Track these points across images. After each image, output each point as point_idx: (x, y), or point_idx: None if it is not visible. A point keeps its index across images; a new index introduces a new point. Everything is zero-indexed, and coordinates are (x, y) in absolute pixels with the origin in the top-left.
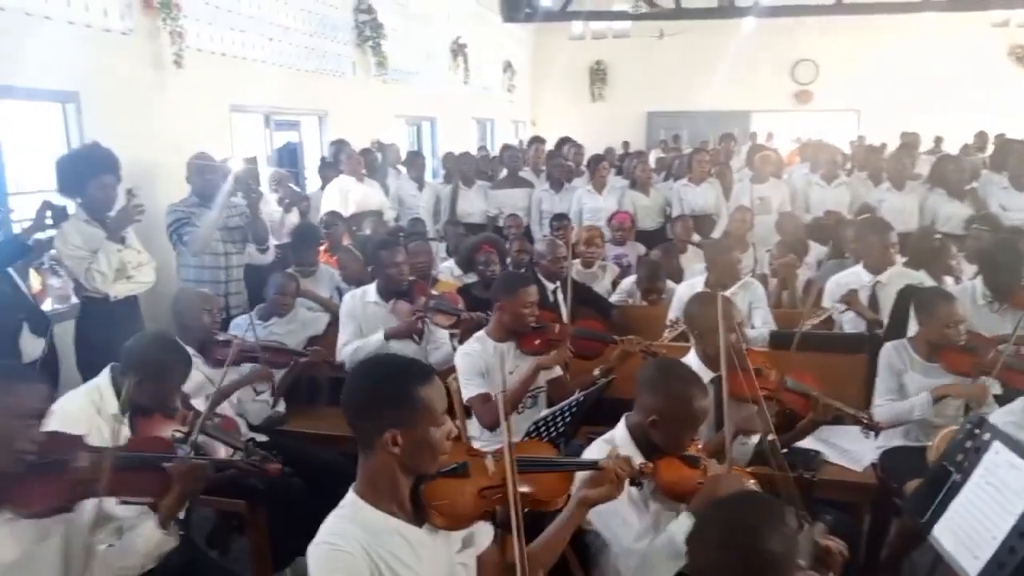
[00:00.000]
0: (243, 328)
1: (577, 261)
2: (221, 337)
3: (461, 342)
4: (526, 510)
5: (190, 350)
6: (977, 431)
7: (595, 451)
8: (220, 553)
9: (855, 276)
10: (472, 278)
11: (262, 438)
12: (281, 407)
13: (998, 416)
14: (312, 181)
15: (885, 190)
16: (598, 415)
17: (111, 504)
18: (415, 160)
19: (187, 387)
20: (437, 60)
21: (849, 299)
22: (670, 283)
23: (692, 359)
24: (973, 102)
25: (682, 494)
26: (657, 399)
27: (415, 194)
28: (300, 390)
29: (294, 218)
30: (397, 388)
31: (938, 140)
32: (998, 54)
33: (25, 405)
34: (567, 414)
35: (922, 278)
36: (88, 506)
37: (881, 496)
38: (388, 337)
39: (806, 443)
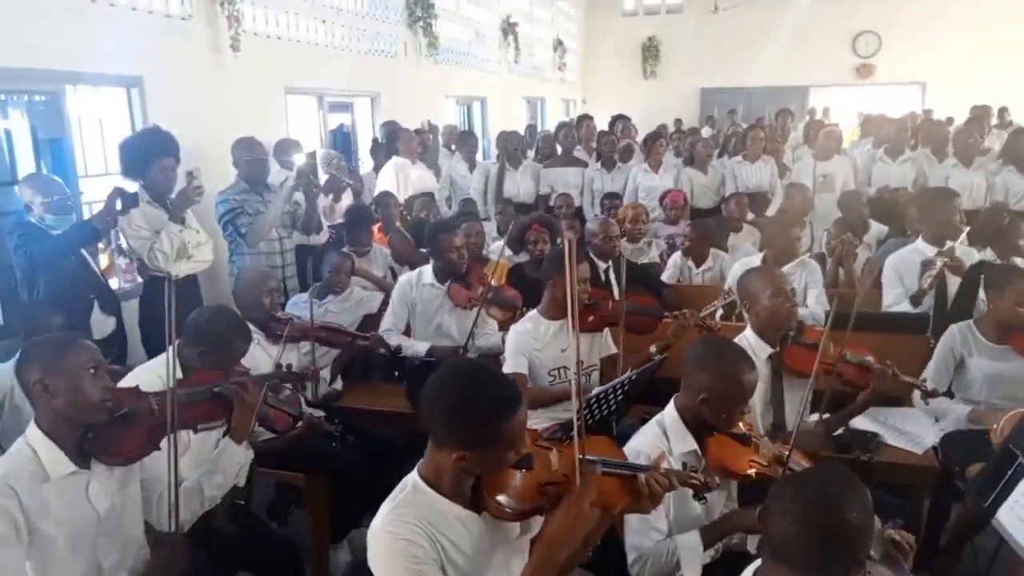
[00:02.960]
0: (301, 306)
1: (623, 238)
2: (281, 315)
3: None
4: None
5: (252, 327)
6: None
7: (646, 436)
8: (279, 524)
9: (916, 252)
10: (523, 258)
11: (319, 414)
12: (338, 384)
13: None
14: (365, 163)
15: (951, 166)
16: (651, 394)
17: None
18: (466, 140)
19: (247, 362)
20: (488, 40)
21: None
22: (721, 254)
23: (749, 335)
24: None
25: (733, 472)
26: (705, 377)
27: (466, 175)
28: (355, 366)
29: (346, 202)
30: (481, 419)
31: (1003, 112)
32: None
33: (87, 356)
34: (620, 392)
35: (987, 256)
36: (164, 447)
37: (942, 480)
38: (433, 356)
39: (865, 425)
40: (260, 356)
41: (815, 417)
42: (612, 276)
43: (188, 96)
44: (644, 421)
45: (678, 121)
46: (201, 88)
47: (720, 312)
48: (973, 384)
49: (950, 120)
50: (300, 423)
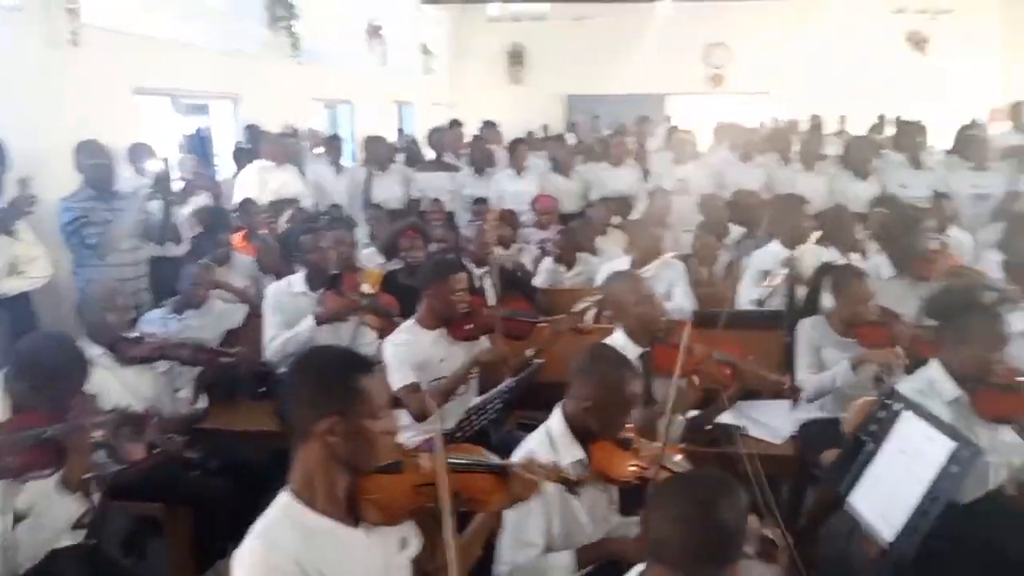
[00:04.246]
0: (156, 323)
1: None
2: (131, 335)
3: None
4: (460, 510)
5: (99, 349)
6: (888, 401)
7: (534, 444)
8: (136, 559)
9: (771, 253)
10: (396, 264)
11: (179, 438)
12: (202, 403)
13: (905, 386)
14: (227, 168)
15: (796, 171)
16: (531, 399)
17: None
18: (332, 144)
19: (93, 388)
20: (353, 42)
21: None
22: (590, 258)
23: (619, 337)
24: (874, 86)
25: (616, 478)
26: (590, 386)
27: (333, 180)
28: (219, 384)
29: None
30: (337, 375)
31: (842, 120)
32: (897, 40)
33: None
34: (499, 401)
35: (833, 255)
36: None
37: (799, 467)
38: (320, 321)
39: (728, 419)
40: (109, 382)
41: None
42: (488, 282)
43: (21, 95)
44: (524, 427)
45: (545, 127)
46: (36, 87)
47: (592, 313)
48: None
49: (794, 124)
50: (155, 451)
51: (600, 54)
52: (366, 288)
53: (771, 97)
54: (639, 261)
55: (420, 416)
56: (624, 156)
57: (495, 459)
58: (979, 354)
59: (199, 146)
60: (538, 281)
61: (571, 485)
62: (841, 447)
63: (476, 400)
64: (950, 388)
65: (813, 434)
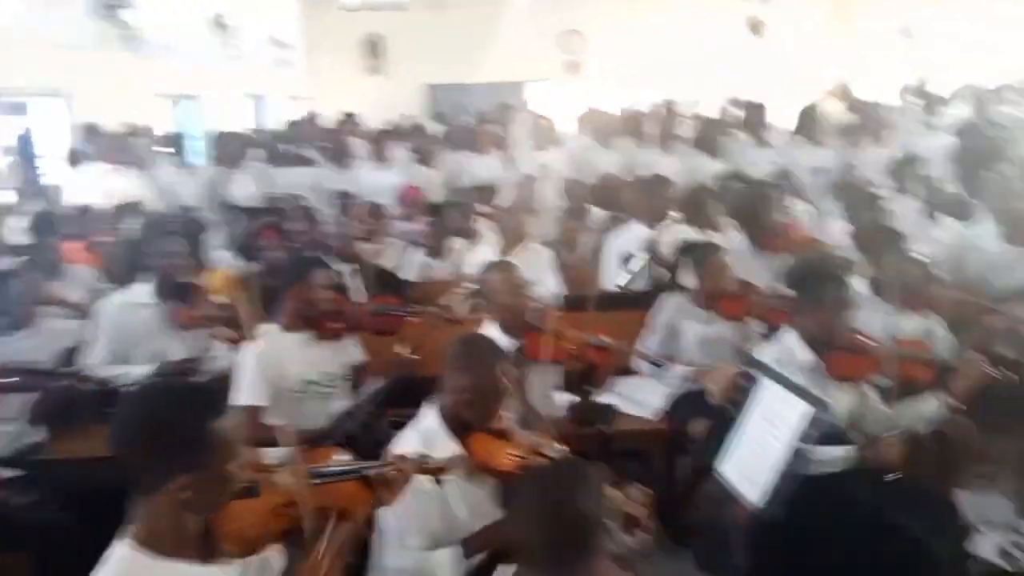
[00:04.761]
0: None
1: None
2: None
3: None
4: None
5: None
6: (749, 370)
7: (405, 445)
8: None
9: (635, 234)
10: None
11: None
12: (37, 434)
13: (763, 354)
14: (54, 172)
15: (652, 153)
16: (407, 396)
17: None
18: (178, 142)
19: None
20: (198, 34)
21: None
22: (458, 247)
23: (491, 329)
24: (722, 70)
25: (495, 469)
26: (463, 376)
27: (180, 180)
28: (58, 409)
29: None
30: (186, 426)
31: (694, 104)
32: (739, 25)
33: None
34: (370, 404)
35: (692, 232)
36: None
37: (671, 438)
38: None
39: (601, 398)
40: None
41: (564, 399)
42: (353, 279)
43: None
44: (398, 426)
45: (407, 117)
46: None
47: (463, 303)
48: (687, 348)
49: (650, 111)
50: None
51: (460, 43)
52: (218, 297)
53: (625, 83)
54: (506, 248)
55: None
56: (488, 144)
57: (358, 462)
58: (829, 319)
59: (24, 149)
60: (409, 274)
61: (437, 473)
62: (708, 417)
63: (346, 404)
64: (805, 354)
65: (683, 406)
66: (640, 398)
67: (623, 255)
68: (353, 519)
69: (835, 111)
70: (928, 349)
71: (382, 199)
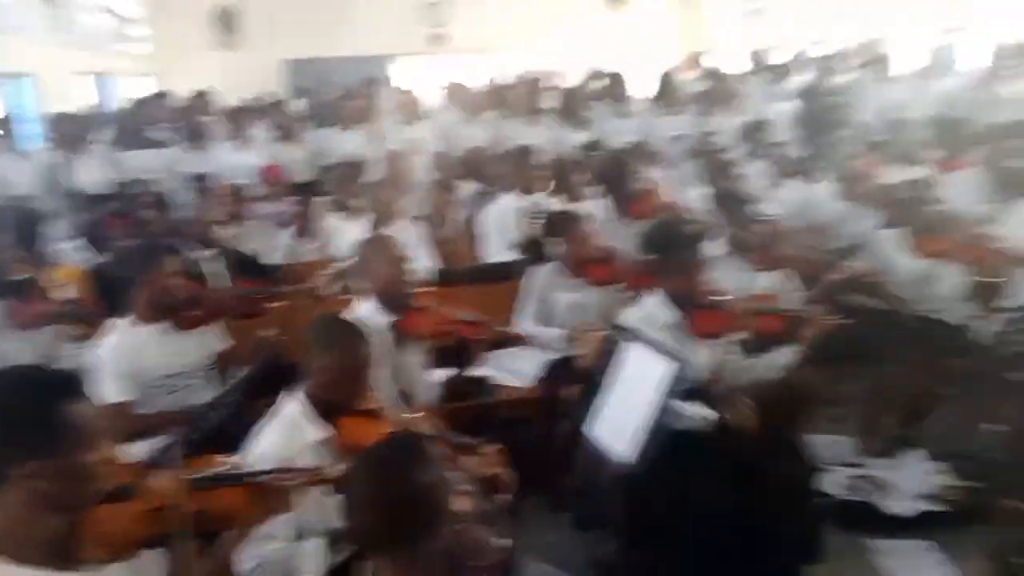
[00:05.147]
0: None
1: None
2: None
3: None
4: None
5: None
6: (615, 333)
7: (271, 436)
8: None
9: (507, 205)
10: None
11: None
12: None
13: (629, 316)
14: None
15: (519, 125)
16: (278, 382)
17: None
18: (6, 125)
19: None
20: (26, 7)
21: None
22: (329, 226)
23: (367, 306)
24: (579, 42)
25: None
26: (324, 357)
27: (12, 167)
28: None
29: None
30: (36, 408)
31: (555, 76)
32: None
33: None
34: (236, 393)
35: (562, 202)
36: None
37: (547, 405)
38: None
39: (477, 371)
40: None
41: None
42: (214, 264)
43: None
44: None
45: (268, 94)
46: None
47: (334, 283)
48: (560, 316)
49: (514, 84)
50: None
51: (320, 16)
52: (63, 292)
53: (491, 56)
54: (377, 225)
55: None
56: (353, 120)
57: (245, 470)
58: (687, 281)
59: None
60: (275, 257)
61: (329, 484)
62: (580, 382)
63: (213, 395)
64: (668, 313)
65: (557, 373)
66: (515, 368)
67: (507, 223)
68: (238, 528)
69: (689, 80)
70: (779, 303)
71: (243, 180)
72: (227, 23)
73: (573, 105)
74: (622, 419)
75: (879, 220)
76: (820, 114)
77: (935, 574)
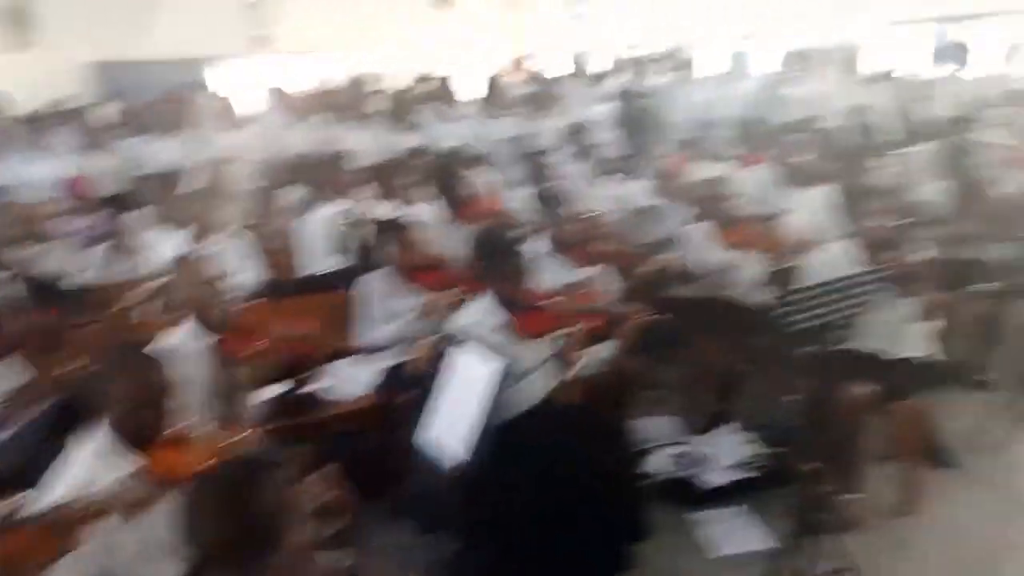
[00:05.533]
0: None
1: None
2: None
3: None
4: None
5: None
6: (444, 338)
7: (73, 472)
8: None
9: (330, 212)
10: None
11: None
12: None
13: (460, 320)
14: None
15: (346, 129)
16: (81, 414)
17: None
18: None
19: None
20: None
21: None
22: (146, 241)
23: (186, 326)
24: (406, 43)
25: (184, 477)
26: (119, 386)
27: None
28: None
29: None
30: None
31: (387, 78)
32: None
33: None
34: (34, 430)
35: (386, 207)
36: None
37: (384, 413)
38: None
39: (312, 384)
40: None
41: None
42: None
43: None
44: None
45: (66, 99)
46: None
47: (151, 303)
48: (392, 321)
49: (343, 84)
50: None
51: (130, 15)
52: None
53: (317, 58)
54: (198, 237)
55: None
56: (169, 127)
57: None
58: (510, 285)
59: None
60: (83, 277)
61: (124, 510)
62: (415, 388)
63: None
64: (497, 316)
65: (394, 380)
66: (351, 378)
67: (319, 235)
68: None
69: (515, 83)
70: (598, 300)
71: (44, 194)
72: (19, 20)
73: (401, 108)
74: (455, 420)
75: (688, 215)
76: (636, 115)
77: (748, 535)
